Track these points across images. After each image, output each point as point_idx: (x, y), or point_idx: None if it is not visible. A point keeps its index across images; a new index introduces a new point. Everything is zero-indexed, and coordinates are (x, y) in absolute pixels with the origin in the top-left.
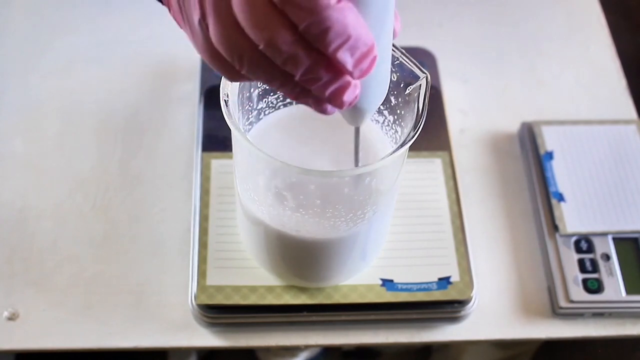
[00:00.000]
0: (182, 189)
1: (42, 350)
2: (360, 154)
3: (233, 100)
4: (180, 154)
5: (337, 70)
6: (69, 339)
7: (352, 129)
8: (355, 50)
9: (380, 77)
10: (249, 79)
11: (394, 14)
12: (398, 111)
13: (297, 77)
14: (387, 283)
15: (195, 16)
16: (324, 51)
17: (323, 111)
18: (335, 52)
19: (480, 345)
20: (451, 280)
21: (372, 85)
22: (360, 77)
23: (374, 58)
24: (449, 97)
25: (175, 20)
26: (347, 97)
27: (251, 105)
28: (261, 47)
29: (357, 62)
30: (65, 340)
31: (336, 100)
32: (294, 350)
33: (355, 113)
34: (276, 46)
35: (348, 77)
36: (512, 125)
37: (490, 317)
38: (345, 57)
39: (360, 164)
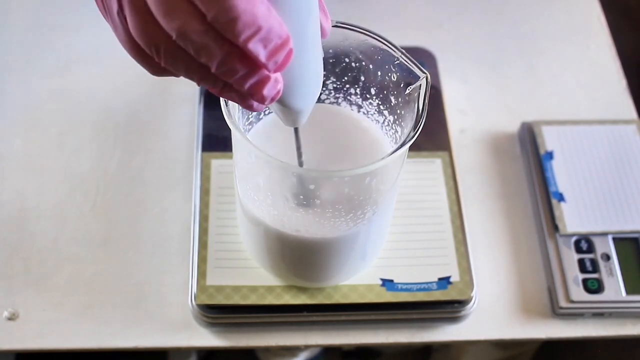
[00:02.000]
0: (182, 189)
1: (42, 350)
2: (360, 153)
3: None
4: (180, 154)
5: (251, 63)
6: (69, 339)
7: (352, 128)
8: (267, 42)
9: (309, 75)
10: (172, 73)
11: (323, 12)
12: (398, 111)
13: (213, 69)
14: (387, 283)
15: (114, 8)
16: (234, 42)
17: (249, 107)
18: (246, 43)
19: (480, 345)
20: (451, 280)
21: (300, 82)
22: (276, 70)
23: (290, 51)
24: (449, 97)
25: (100, 11)
26: (267, 91)
27: None
28: (174, 37)
29: (271, 55)
30: (65, 340)
31: (256, 94)
32: (294, 350)
33: (288, 112)
34: (187, 36)
35: (265, 71)
36: (512, 125)
37: (490, 317)
38: (258, 49)
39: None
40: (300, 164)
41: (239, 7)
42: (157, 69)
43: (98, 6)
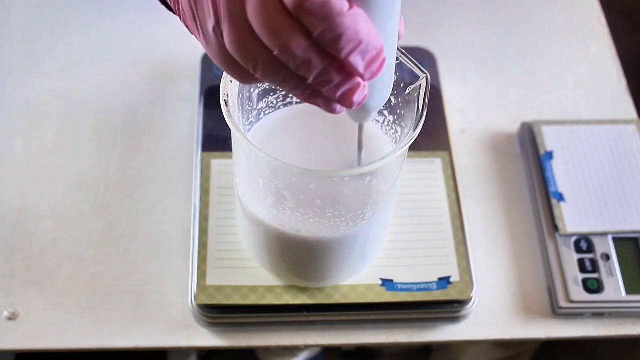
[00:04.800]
0: (182, 189)
1: (42, 350)
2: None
3: (233, 100)
4: (180, 154)
5: (348, 73)
6: (69, 339)
7: (352, 128)
8: (366, 54)
9: (387, 77)
10: (263, 82)
11: (399, 17)
12: (398, 111)
13: (310, 80)
14: (387, 283)
15: (210, 23)
16: (336, 56)
17: (332, 111)
18: (348, 57)
19: (480, 345)
20: (451, 280)
21: (379, 85)
22: (370, 79)
23: (384, 61)
24: (449, 97)
25: (187, 27)
26: (357, 97)
27: (251, 105)
28: (276, 52)
29: (368, 65)
30: (65, 340)
31: (346, 100)
32: (294, 350)
33: (362, 112)
34: (290, 52)
35: (358, 79)
36: (512, 125)
37: (490, 317)
38: (357, 61)
39: (361, 162)
40: (360, 159)
41: (344, 23)
42: (248, 79)
43: (186, 23)
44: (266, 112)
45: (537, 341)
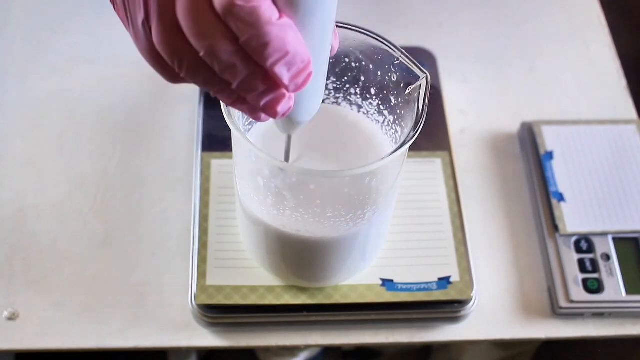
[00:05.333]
0: (182, 189)
1: (42, 350)
2: (360, 153)
3: None
4: (180, 154)
5: (273, 82)
6: (69, 339)
7: (352, 129)
8: (292, 66)
9: (314, 91)
10: (187, 81)
11: (333, 31)
12: (398, 111)
13: (234, 86)
14: (387, 283)
15: (139, 17)
16: (261, 64)
17: (257, 119)
18: (273, 66)
19: (480, 345)
20: (451, 280)
21: (306, 98)
22: (295, 90)
23: (310, 74)
24: (449, 97)
25: (119, 16)
26: (281, 108)
27: None
28: (201, 54)
29: (293, 77)
30: (65, 340)
31: (270, 110)
32: (294, 350)
33: (288, 123)
34: (216, 55)
35: (283, 90)
36: (512, 125)
37: (490, 317)
38: (282, 72)
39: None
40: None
41: (272, 33)
42: (174, 78)
43: (118, 14)
44: None
45: (537, 341)
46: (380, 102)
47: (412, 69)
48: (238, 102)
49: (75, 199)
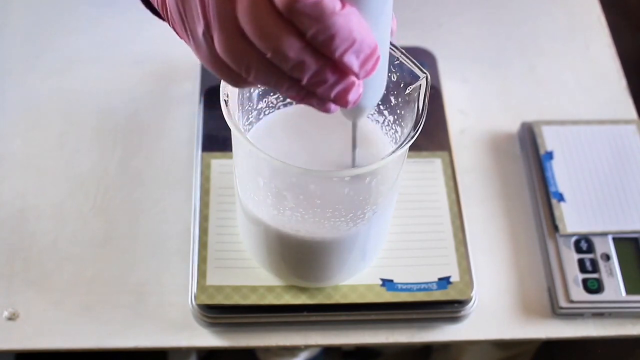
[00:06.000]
0: (182, 189)
1: (42, 350)
2: (360, 153)
3: (233, 100)
4: (180, 154)
5: (342, 72)
6: (69, 339)
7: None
8: (360, 53)
9: (381, 75)
10: (255, 85)
11: (392, 14)
12: (398, 111)
13: (304, 81)
14: (387, 283)
15: (199, 28)
16: (330, 56)
17: (326, 110)
18: (342, 56)
19: (480, 345)
20: (451, 280)
21: (373, 83)
22: (365, 77)
23: (378, 58)
24: (449, 97)
25: (176, 31)
26: (352, 96)
27: (251, 105)
28: (268, 55)
29: (363, 64)
30: (65, 340)
31: (341, 100)
32: (294, 350)
33: (356, 110)
34: (284, 54)
35: (353, 78)
36: (512, 125)
37: (490, 317)
38: (352, 60)
39: (359, 163)
40: (354, 157)
41: (337, 23)
42: (241, 83)
43: (174, 28)
44: (266, 112)
45: (537, 341)
46: (380, 102)
47: (412, 69)
48: (307, 96)
49: (75, 199)
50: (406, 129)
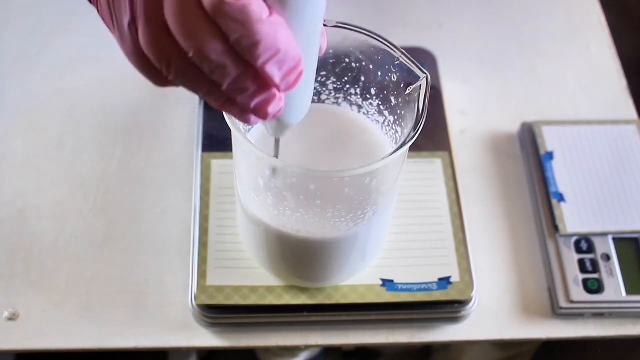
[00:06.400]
0: (182, 189)
1: (42, 350)
2: (360, 153)
3: None
4: (180, 154)
5: (263, 82)
6: (69, 339)
7: (352, 129)
8: (282, 64)
9: (304, 91)
10: (175, 85)
11: (321, 31)
12: (398, 111)
13: (223, 87)
14: (387, 283)
15: (125, 19)
16: (252, 63)
17: (246, 121)
18: (264, 65)
19: (480, 345)
20: (451, 280)
21: (296, 98)
22: (286, 90)
23: (300, 72)
24: (449, 97)
25: (103, 20)
26: (272, 109)
27: None
28: (190, 54)
29: (284, 76)
30: (65, 340)
31: (260, 111)
32: (294, 350)
33: (277, 125)
34: (205, 55)
35: (274, 90)
36: (512, 125)
37: (490, 317)
38: (273, 70)
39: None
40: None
41: (262, 30)
42: (161, 81)
43: (102, 16)
44: None
45: (537, 341)
46: (380, 102)
47: (412, 69)
48: (227, 104)
49: (75, 199)
50: (406, 129)
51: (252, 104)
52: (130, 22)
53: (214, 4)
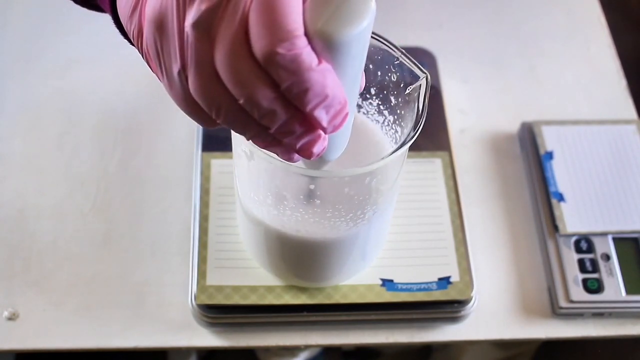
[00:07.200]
0: (182, 189)
1: (42, 350)
2: (360, 153)
3: None
4: (180, 154)
5: (311, 125)
6: (69, 339)
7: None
8: (330, 109)
9: (346, 131)
10: (223, 126)
11: (362, 71)
12: (398, 111)
13: (272, 130)
14: (387, 283)
15: (175, 67)
16: (301, 109)
17: (289, 159)
18: (313, 110)
19: (480, 345)
20: (451, 280)
21: (338, 137)
22: (332, 132)
23: (346, 115)
24: (449, 97)
25: (149, 64)
26: (317, 149)
27: None
28: (241, 101)
29: (332, 119)
30: (65, 340)
31: (306, 151)
32: (294, 350)
33: (318, 162)
34: (256, 102)
35: (319, 131)
36: (512, 125)
37: (490, 317)
38: (321, 115)
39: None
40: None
41: (313, 78)
42: (210, 124)
43: (149, 64)
44: None
45: (537, 341)
46: (380, 102)
47: (412, 69)
48: (273, 144)
49: (75, 199)
50: (406, 129)
51: (299, 145)
52: (181, 70)
53: (267, 54)
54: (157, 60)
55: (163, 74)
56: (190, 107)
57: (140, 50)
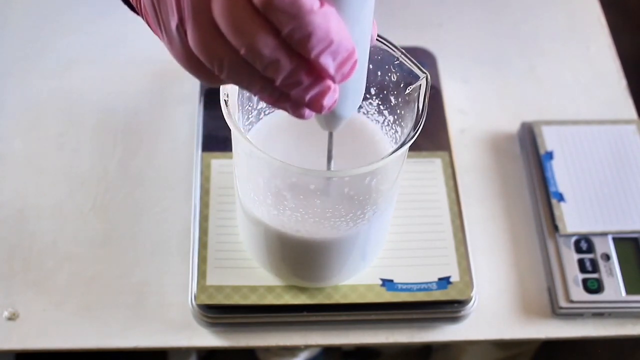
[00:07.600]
0: (182, 189)
1: (42, 350)
2: (360, 153)
3: (233, 100)
4: (180, 154)
5: (318, 74)
6: (69, 339)
7: (352, 129)
8: (336, 55)
9: (358, 83)
10: (227, 83)
11: (372, 19)
12: (398, 111)
13: (277, 82)
14: (387, 283)
15: (173, 22)
16: (306, 56)
17: (300, 116)
18: (318, 57)
19: (480, 345)
20: (451, 280)
21: (350, 90)
22: (341, 81)
23: (355, 62)
24: (449, 97)
25: (149, 26)
26: (327, 101)
27: (251, 105)
28: (242, 52)
29: (339, 67)
30: (65, 340)
31: (316, 104)
32: (294, 350)
33: (331, 118)
34: (258, 51)
35: (329, 82)
36: (512, 125)
37: (490, 317)
38: (327, 62)
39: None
40: (329, 168)
41: (315, 22)
42: (213, 81)
43: (147, 21)
44: (266, 112)
45: (537, 341)
46: (380, 102)
47: (412, 69)
48: (281, 99)
49: (75, 199)
50: (406, 129)
51: (307, 97)
52: (178, 25)
53: None
54: (155, 17)
55: (162, 32)
56: (192, 63)
57: (140, 12)
